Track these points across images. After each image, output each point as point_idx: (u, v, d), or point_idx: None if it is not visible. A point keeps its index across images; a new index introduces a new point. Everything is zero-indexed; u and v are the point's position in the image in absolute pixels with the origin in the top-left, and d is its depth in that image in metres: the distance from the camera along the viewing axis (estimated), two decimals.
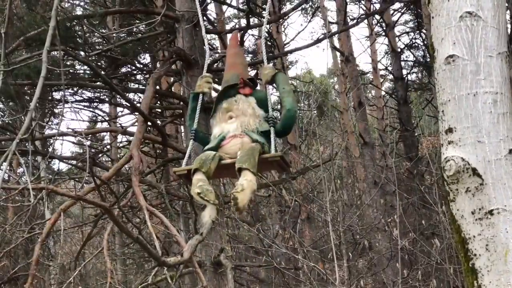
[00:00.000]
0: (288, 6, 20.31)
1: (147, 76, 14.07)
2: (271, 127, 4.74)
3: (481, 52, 3.23)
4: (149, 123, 9.84)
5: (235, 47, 5.54)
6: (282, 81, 4.94)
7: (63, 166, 17.17)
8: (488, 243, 3.07)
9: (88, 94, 14.89)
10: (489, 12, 3.28)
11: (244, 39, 12.56)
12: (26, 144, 9.91)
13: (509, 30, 3.46)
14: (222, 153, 4.64)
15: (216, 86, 13.26)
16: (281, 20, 18.46)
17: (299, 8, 19.79)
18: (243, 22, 15.34)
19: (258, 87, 5.36)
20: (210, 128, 5.18)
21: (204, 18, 11.62)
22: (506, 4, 3.44)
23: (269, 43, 20.27)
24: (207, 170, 4.44)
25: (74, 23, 11.67)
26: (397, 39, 21.39)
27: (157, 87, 11.55)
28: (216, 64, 12.37)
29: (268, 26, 18.03)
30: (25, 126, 3.68)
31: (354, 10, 42.65)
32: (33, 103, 3.73)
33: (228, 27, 19.56)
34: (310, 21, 28.97)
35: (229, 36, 15.51)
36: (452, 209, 3.23)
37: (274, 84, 5.09)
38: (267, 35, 20.18)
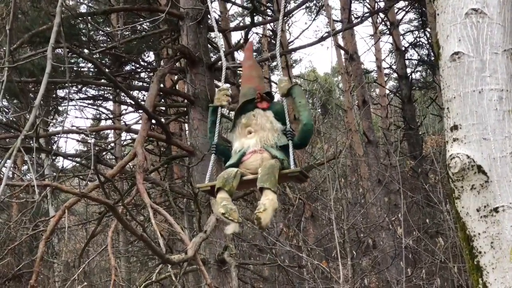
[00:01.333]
0: (292, 5, 20.26)
1: (151, 74, 14.08)
2: (289, 140, 4.80)
3: (486, 49, 3.22)
4: (153, 121, 9.85)
5: (250, 59, 5.54)
6: (298, 95, 4.98)
7: (67, 164, 17.18)
8: (493, 240, 3.06)
9: (92, 92, 14.91)
10: (494, 9, 3.27)
11: (249, 38, 12.54)
12: (30, 142, 9.92)
13: None
14: (243, 169, 4.72)
15: (220, 84, 13.28)
16: (285, 18, 18.44)
17: (304, 6, 19.79)
18: (248, 20, 15.33)
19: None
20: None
21: (208, 16, 11.60)
22: None
23: (273, 41, 20.29)
24: (230, 189, 4.55)
25: (78, 20, 11.68)
26: (401, 37, 21.36)
27: (161, 85, 11.55)
28: (220, 62, 12.37)
29: (272, 24, 18.05)
30: (29, 123, 3.68)
31: (358, 8, 42.74)
32: (38, 99, 3.73)
33: (232, 25, 19.57)
34: (314, 19, 28.89)
35: (233, 34, 15.52)
36: (457, 206, 3.22)
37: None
38: (271, 33, 20.19)
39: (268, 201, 4.36)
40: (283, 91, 5.04)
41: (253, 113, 4.99)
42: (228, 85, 5.30)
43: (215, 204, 4.58)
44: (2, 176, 8.77)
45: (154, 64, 15.17)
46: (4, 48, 9.66)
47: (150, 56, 16.39)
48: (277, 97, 5.95)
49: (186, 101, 11.79)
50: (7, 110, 13.86)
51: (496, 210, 3.08)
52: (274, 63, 21.97)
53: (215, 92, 5.38)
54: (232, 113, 5.33)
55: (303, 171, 4.78)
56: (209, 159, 5.20)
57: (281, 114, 4.99)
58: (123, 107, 18.02)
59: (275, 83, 18.46)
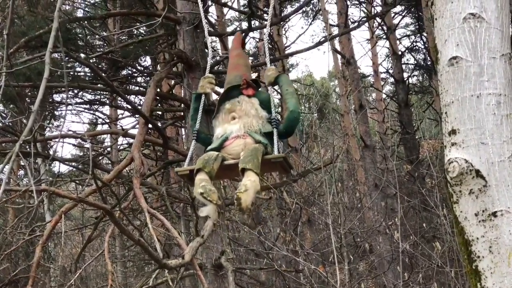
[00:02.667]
0: (289, 9, 20.30)
1: (148, 78, 14.09)
2: (274, 128, 4.72)
3: (484, 54, 3.23)
4: (150, 126, 9.83)
5: (238, 49, 5.53)
6: (285, 83, 4.93)
7: (64, 168, 17.16)
8: (492, 245, 3.06)
9: (88, 96, 14.91)
10: (492, 14, 3.28)
11: (246, 42, 12.55)
12: (27, 146, 9.91)
13: None
14: (225, 154, 4.63)
15: (218, 89, 13.28)
16: (282, 22, 18.46)
17: (300, 11, 19.79)
18: (245, 24, 15.34)
19: (261, 89, 5.34)
20: (212, 129, 5.17)
21: (206, 20, 11.60)
22: (510, 6, 3.42)
23: (270, 45, 20.30)
24: (210, 170, 4.42)
25: (75, 25, 11.68)
26: (398, 42, 21.41)
27: (158, 89, 11.54)
28: (217, 66, 12.37)
29: (269, 28, 18.06)
30: (28, 128, 3.67)
31: (355, 13, 42.72)
32: (36, 104, 3.72)
33: (229, 29, 19.58)
34: (311, 24, 29.02)
35: (230, 38, 15.53)
36: (455, 210, 3.23)
37: (277, 86, 5.08)
38: (268, 37, 20.22)
39: (249, 182, 4.25)
40: (270, 79, 5.00)
41: (237, 99, 4.93)
42: (211, 75, 5.22)
43: (194, 186, 4.46)
44: None
45: (151, 68, 15.16)
46: (1, 53, 9.67)
47: (147, 61, 16.39)
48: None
49: (183, 105, 11.78)
50: (3, 115, 13.84)
51: (494, 214, 3.08)
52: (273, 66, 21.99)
53: (200, 80, 5.34)
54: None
55: (286, 158, 4.68)
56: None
57: (267, 103, 4.93)
58: (119, 111, 18.01)
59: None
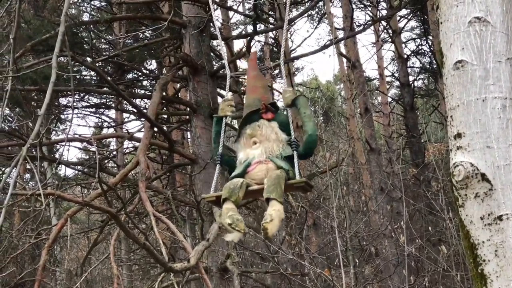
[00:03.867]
0: (294, 13, 20.31)
1: (154, 82, 14.11)
2: (294, 151, 4.80)
3: (490, 57, 3.23)
4: (155, 129, 9.85)
5: (255, 69, 5.55)
6: (302, 106, 4.98)
7: (69, 172, 17.20)
8: (497, 248, 3.06)
9: (94, 100, 14.94)
10: (498, 17, 3.28)
11: (251, 45, 12.56)
12: (33, 150, 9.93)
13: None
14: (248, 179, 4.72)
15: (222, 92, 13.28)
16: (287, 26, 18.45)
17: (306, 15, 19.81)
18: (250, 28, 15.36)
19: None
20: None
21: (211, 24, 11.63)
22: None
23: (275, 49, 20.31)
24: (236, 199, 4.55)
25: (81, 29, 11.71)
26: (403, 45, 21.40)
27: (164, 93, 11.57)
28: (222, 70, 12.39)
29: (274, 32, 18.07)
30: (35, 132, 3.68)
31: (360, 16, 42.75)
32: (43, 108, 3.73)
33: (234, 33, 19.59)
34: (316, 27, 29.04)
35: (236, 42, 15.53)
36: (461, 214, 3.22)
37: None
38: (273, 41, 20.22)
39: (274, 212, 4.37)
40: (287, 101, 5.05)
41: (258, 123, 4.99)
42: (230, 93, 5.26)
43: (222, 215, 4.58)
44: (5, 185, 8.78)
45: (156, 72, 15.20)
46: (7, 57, 9.70)
47: (153, 64, 16.43)
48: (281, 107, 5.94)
49: (188, 109, 11.80)
50: (10, 119, 13.88)
51: (500, 218, 3.08)
52: (276, 71, 22.04)
53: (219, 103, 5.39)
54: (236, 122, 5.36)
55: (308, 182, 4.78)
56: (211, 167, 5.22)
57: (286, 124, 5.00)
58: (125, 115, 18.06)
59: (278, 91, 18.49)
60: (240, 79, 14.75)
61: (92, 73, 12.55)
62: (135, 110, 12.98)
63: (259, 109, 5.03)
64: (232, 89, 13.85)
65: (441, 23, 3.45)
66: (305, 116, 4.92)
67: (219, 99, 11.95)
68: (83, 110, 14.39)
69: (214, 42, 14.10)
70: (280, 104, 5.51)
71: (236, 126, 5.17)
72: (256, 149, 4.87)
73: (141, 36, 13.89)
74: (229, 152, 5.32)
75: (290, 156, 4.81)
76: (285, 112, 5.14)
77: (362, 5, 20.88)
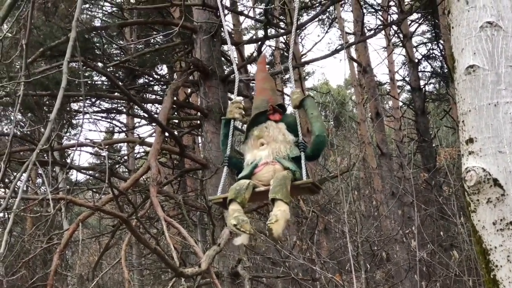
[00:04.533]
0: (305, 17, 20.30)
1: (165, 87, 14.13)
2: (301, 152, 4.78)
3: (501, 62, 3.22)
4: (166, 134, 9.86)
5: (263, 72, 5.55)
6: (310, 107, 4.97)
7: (81, 177, 17.26)
8: (510, 254, 3.04)
9: (105, 105, 14.97)
10: (509, 22, 3.27)
11: (262, 50, 12.56)
12: (45, 155, 9.97)
13: None
14: (255, 180, 4.71)
15: (233, 97, 13.28)
16: (298, 31, 18.46)
17: (316, 19, 19.82)
18: (261, 33, 15.37)
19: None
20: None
21: (222, 29, 11.64)
22: None
23: (285, 54, 20.32)
24: (242, 200, 4.53)
25: (92, 34, 11.75)
26: (414, 49, 21.37)
27: (175, 98, 11.58)
28: (233, 75, 12.40)
29: (285, 37, 18.08)
30: (45, 137, 3.69)
31: (371, 20, 42.81)
32: (54, 113, 3.75)
33: (245, 38, 19.62)
34: (327, 32, 28.95)
35: (246, 47, 15.55)
36: (473, 219, 3.21)
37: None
38: (284, 45, 20.23)
39: (280, 212, 4.33)
40: (295, 103, 5.04)
41: (265, 125, 4.99)
42: (241, 97, 5.31)
43: (228, 216, 4.58)
44: (16, 189, 8.82)
45: (167, 77, 15.23)
46: (18, 63, 9.75)
47: (164, 69, 16.46)
48: (290, 109, 5.94)
49: (199, 114, 11.81)
50: (22, 124, 13.95)
51: None
52: (287, 76, 22.03)
53: (228, 105, 5.39)
54: (245, 126, 5.33)
55: (315, 183, 4.75)
56: (222, 172, 5.20)
57: (294, 126, 4.99)
58: (136, 120, 18.10)
59: (288, 96, 18.49)
60: (251, 84, 14.75)
61: (104, 78, 12.57)
62: (146, 115, 13.00)
63: (266, 110, 5.03)
64: (243, 93, 13.88)
65: (453, 28, 3.44)
66: (312, 117, 4.90)
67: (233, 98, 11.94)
68: (94, 115, 14.43)
69: (225, 47, 14.12)
70: (290, 110, 5.51)
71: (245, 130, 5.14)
72: (263, 150, 4.86)
73: (152, 41, 13.91)
74: (238, 155, 5.33)
75: (297, 157, 4.80)
76: (293, 114, 5.14)
77: (372, 10, 20.83)
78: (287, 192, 4.45)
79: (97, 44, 11.95)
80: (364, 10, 18.33)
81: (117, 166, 16.34)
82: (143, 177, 10.04)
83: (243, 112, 5.36)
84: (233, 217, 4.43)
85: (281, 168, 4.70)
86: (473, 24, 3.30)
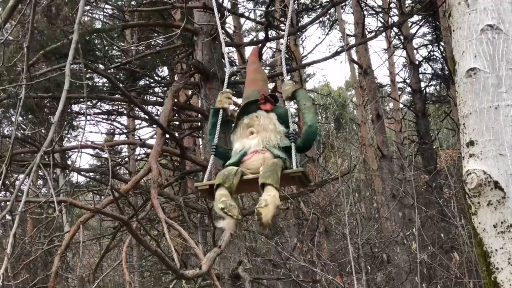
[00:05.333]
0: (306, 19, 20.33)
1: (165, 88, 14.14)
2: (292, 142, 4.75)
3: (502, 65, 3.22)
4: (167, 136, 9.87)
5: (255, 63, 5.55)
6: (302, 97, 4.94)
7: (82, 179, 17.28)
8: (511, 257, 3.05)
9: (106, 106, 14.99)
10: (510, 25, 3.28)
11: (263, 52, 12.58)
12: (46, 157, 9.99)
13: None
14: (243, 169, 4.66)
15: (235, 99, 13.28)
16: (298, 33, 18.48)
17: (317, 21, 19.82)
18: (262, 35, 15.38)
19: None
20: (230, 143, 5.20)
21: (223, 31, 11.66)
22: None
23: (286, 55, 20.31)
24: (230, 185, 4.46)
25: (93, 36, 11.76)
26: (415, 51, 21.35)
27: (176, 99, 11.60)
28: (234, 77, 12.40)
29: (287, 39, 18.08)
30: (48, 139, 3.71)
31: (372, 23, 42.78)
32: (57, 116, 3.76)
33: (246, 40, 19.63)
34: (328, 34, 28.99)
35: (247, 49, 15.57)
36: (474, 222, 3.22)
37: (295, 100, 5.09)
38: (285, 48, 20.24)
39: (269, 197, 4.28)
40: (287, 94, 5.02)
41: (256, 114, 4.96)
42: (229, 90, 5.28)
43: (215, 201, 4.51)
44: (19, 193, 8.82)
45: (168, 79, 15.23)
46: (21, 65, 9.76)
47: (164, 71, 16.47)
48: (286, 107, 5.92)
49: (200, 116, 11.82)
50: (23, 126, 13.96)
51: None
52: (288, 78, 22.02)
53: (218, 95, 5.37)
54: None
55: (305, 172, 4.71)
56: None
57: (285, 117, 4.96)
58: (137, 121, 18.12)
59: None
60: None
61: (104, 80, 12.59)
62: (147, 117, 13.01)
63: (257, 99, 5.00)
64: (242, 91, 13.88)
65: (454, 30, 3.45)
66: (305, 108, 4.87)
67: (231, 107, 11.97)
68: (95, 117, 14.45)
69: (226, 49, 14.10)
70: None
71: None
72: (253, 139, 4.82)
73: (153, 43, 13.92)
74: (226, 146, 5.29)
75: (287, 147, 4.76)
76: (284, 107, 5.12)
77: (373, 12, 20.84)
78: (278, 178, 4.39)
79: (98, 46, 11.97)
80: (365, 12, 18.32)
81: (117, 168, 16.34)
82: (144, 179, 10.04)
83: (232, 102, 5.34)
84: (221, 201, 4.36)
85: (271, 156, 4.65)
86: (474, 27, 3.31)
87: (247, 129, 4.91)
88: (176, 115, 14.42)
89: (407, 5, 19.77)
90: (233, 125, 5.12)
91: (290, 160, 4.66)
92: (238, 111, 5.07)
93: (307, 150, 5.31)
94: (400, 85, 23.59)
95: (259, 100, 5.00)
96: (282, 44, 5.83)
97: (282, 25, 15.59)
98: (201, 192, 4.95)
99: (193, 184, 16.88)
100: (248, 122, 4.91)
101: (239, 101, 7.78)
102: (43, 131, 10.88)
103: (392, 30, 20.53)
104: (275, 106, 5.06)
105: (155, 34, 13.85)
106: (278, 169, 4.45)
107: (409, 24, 20.28)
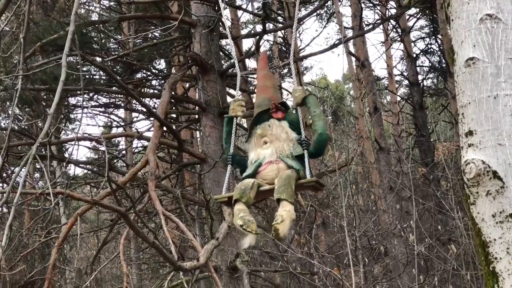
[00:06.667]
0: (303, 12, 20.28)
1: (163, 81, 14.11)
2: (304, 150, 4.81)
3: (501, 55, 3.21)
4: (165, 128, 9.86)
5: (264, 69, 5.56)
6: (312, 104, 4.99)
7: (79, 171, 17.25)
8: (509, 246, 3.04)
9: (104, 99, 14.96)
10: (509, 15, 3.27)
11: (260, 45, 12.55)
12: (43, 149, 9.96)
13: None
14: (259, 179, 4.75)
15: (231, 91, 13.26)
16: (296, 25, 18.42)
17: (314, 14, 19.78)
18: (259, 27, 15.35)
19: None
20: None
21: (220, 23, 11.63)
22: None
23: (283, 48, 20.29)
24: (247, 200, 4.59)
25: (90, 28, 11.72)
26: (412, 44, 21.33)
27: (173, 92, 11.58)
28: (231, 69, 12.38)
29: (283, 31, 18.06)
30: (44, 131, 3.69)
31: (369, 15, 42.71)
32: (53, 107, 3.74)
33: (243, 32, 19.59)
34: (325, 26, 28.90)
35: (244, 41, 15.52)
36: (472, 212, 3.21)
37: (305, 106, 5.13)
38: (282, 40, 20.21)
39: (285, 213, 4.38)
40: (297, 100, 5.05)
41: (268, 123, 5.01)
42: (240, 93, 5.31)
43: (233, 216, 4.61)
44: (15, 184, 8.80)
45: (165, 71, 15.20)
46: (17, 57, 9.73)
47: (162, 64, 16.44)
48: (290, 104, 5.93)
49: (197, 108, 11.81)
50: (20, 118, 13.95)
51: None
52: (285, 70, 22.01)
53: (230, 103, 5.40)
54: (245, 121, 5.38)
55: (319, 181, 4.80)
56: (220, 166, 5.23)
57: (296, 123, 5.01)
58: (134, 114, 18.10)
59: (286, 90, 18.48)
60: (249, 78, 14.73)
61: (101, 72, 12.55)
62: (144, 110, 12.99)
63: (269, 108, 5.04)
64: (241, 88, 13.86)
65: (452, 20, 3.44)
66: (315, 115, 4.92)
67: (228, 98, 11.95)
68: (92, 110, 14.43)
69: (223, 41, 14.09)
70: (290, 103, 5.52)
71: (245, 125, 5.20)
72: (266, 149, 4.89)
73: (150, 35, 13.89)
74: (241, 152, 5.34)
75: (300, 155, 4.82)
76: (294, 112, 5.15)
77: (371, 4, 20.81)
78: (292, 192, 4.51)
79: (95, 39, 11.93)
80: (362, 5, 18.30)
81: (115, 160, 16.31)
82: (141, 171, 10.03)
83: (245, 110, 5.37)
84: (239, 217, 4.48)
85: (285, 167, 4.74)
86: (472, 16, 3.30)
87: (260, 139, 4.98)
88: (174, 107, 14.39)
89: None
90: (247, 134, 5.19)
91: (303, 168, 4.75)
92: (251, 120, 5.12)
93: (319, 156, 5.43)
94: (397, 77, 23.58)
95: (271, 109, 5.04)
96: (291, 51, 5.83)
97: (279, 17, 15.58)
98: (221, 203, 5.10)
99: (190, 177, 16.89)
100: (261, 132, 4.98)
101: (233, 92, 7.77)
102: (39, 123, 10.86)
103: (389, 23, 20.52)
104: (287, 113, 5.11)
105: (152, 27, 13.81)
106: (292, 182, 4.55)
107: (407, 17, 20.25)
